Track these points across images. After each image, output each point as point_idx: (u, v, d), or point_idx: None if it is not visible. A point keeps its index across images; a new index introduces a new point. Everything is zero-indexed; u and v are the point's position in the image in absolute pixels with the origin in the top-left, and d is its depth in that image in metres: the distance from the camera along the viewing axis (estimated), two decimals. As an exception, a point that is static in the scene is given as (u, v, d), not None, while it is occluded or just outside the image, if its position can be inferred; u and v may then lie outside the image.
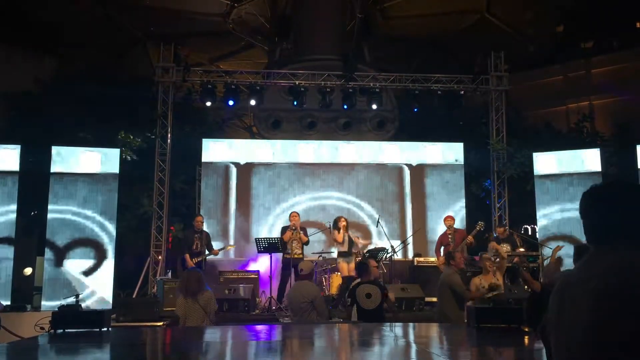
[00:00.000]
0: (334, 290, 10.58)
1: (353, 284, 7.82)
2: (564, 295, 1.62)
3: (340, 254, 10.55)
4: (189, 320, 6.76)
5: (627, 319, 1.46)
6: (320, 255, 11.26)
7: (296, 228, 10.56)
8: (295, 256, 10.28)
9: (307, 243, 10.67)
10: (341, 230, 10.46)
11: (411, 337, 6.17)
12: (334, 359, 4.72)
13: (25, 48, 14.57)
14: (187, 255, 10.45)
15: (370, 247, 11.54)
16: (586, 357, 1.53)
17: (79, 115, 12.66)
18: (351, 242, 10.56)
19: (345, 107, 12.95)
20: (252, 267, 11.67)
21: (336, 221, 10.64)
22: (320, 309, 7.17)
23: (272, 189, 12.90)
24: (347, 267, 10.35)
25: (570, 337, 1.56)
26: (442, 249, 10.67)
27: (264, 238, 10.62)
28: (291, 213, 10.92)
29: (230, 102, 12.63)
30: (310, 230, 11.01)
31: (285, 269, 10.35)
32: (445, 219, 11.07)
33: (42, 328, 5.85)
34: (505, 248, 10.60)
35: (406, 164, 13.33)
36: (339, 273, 10.54)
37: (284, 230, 10.71)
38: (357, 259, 10.62)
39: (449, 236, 10.74)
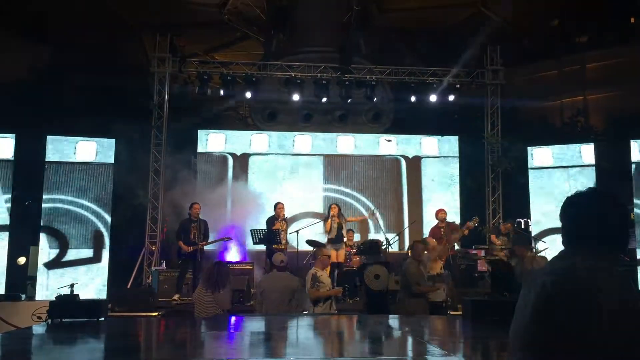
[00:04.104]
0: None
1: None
2: (527, 285, 1.73)
3: (329, 240, 10.61)
4: (201, 311, 6.70)
5: (551, 319, 1.57)
6: (314, 247, 11.28)
7: (284, 219, 10.58)
8: (283, 247, 10.34)
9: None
10: (330, 218, 10.53)
11: (406, 329, 6.22)
12: (336, 349, 4.76)
13: (19, 36, 14.45)
14: (181, 242, 10.36)
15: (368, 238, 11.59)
16: (520, 346, 1.66)
17: (74, 105, 12.60)
18: (340, 230, 10.61)
19: (341, 99, 12.96)
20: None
21: (328, 209, 10.74)
22: (300, 299, 7.23)
23: (268, 180, 12.91)
24: (336, 254, 10.41)
25: (517, 324, 1.69)
26: (434, 242, 10.72)
27: (259, 230, 10.58)
28: (278, 204, 10.82)
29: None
30: (307, 221, 11.02)
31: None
32: (437, 212, 11.07)
33: (39, 317, 5.87)
34: (500, 241, 10.73)
35: (402, 156, 13.39)
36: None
37: (272, 221, 10.61)
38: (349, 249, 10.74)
39: (442, 229, 10.76)
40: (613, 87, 16.19)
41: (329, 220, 10.57)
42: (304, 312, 7.47)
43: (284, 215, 10.66)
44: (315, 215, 12.33)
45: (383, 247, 10.97)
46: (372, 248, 7.82)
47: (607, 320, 1.51)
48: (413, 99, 12.82)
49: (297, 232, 10.74)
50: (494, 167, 12.76)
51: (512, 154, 12.66)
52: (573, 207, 1.79)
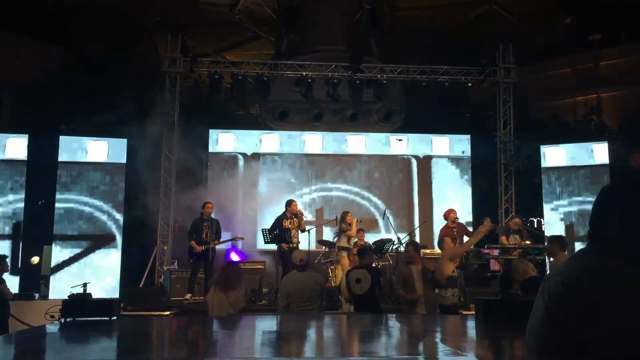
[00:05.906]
0: (339, 280, 10.59)
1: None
2: (542, 285, 1.54)
3: (343, 247, 10.54)
4: (214, 311, 6.72)
5: (563, 323, 1.42)
6: (325, 247, 11.27)
7: (295, 216, 10.55)
8: (294, 245, 10.30)
9: (304, 230, 10.61)
10: (353, 225, 10.45)
11: (416, 327, 6.19)
12: (348, 348, 4.73)
13: (33, 38, 14.56)
14: (193, 242, 10.36)
15: (376, 238, 11.55)
16: (533, 349, 1.51)
17: (86, 105, 12.67)
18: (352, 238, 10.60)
19: (352, 98, 12.93)
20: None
21: (344, 216, 10.60)
22: (324, 297, 7.29)
23: (279, 180, 12.90)
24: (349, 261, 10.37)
25: (531, 326, 1.53)
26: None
27: (270, 229, 10.55)
28: (292, 201, 10.74)
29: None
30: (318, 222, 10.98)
31: (285, 258, 10.28)
32: (448, 213, 10.87)
33: (52, 316, 5.89)
34: (513, 240, 10.63)
35: (413, 156, 13.33)
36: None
37: (281, 219, 10.56)
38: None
39: (454, 230, 10.62)
40: (627, 84, 16.03)
41: (354, 228, 10.49)
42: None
43: (296, 212, 10.58)
44: (322, 215, 12.31)
45: (394, 247, 10.96)
46: (361, 253, 7.87)
47: (624, 328, 1.34)
48: (424, 98, 12.77)
49: (308, 231, 10.71)
50: (507, 166, 12.67)
51: (525, 152, 12.56)
52: (604, 197, 1.53)
